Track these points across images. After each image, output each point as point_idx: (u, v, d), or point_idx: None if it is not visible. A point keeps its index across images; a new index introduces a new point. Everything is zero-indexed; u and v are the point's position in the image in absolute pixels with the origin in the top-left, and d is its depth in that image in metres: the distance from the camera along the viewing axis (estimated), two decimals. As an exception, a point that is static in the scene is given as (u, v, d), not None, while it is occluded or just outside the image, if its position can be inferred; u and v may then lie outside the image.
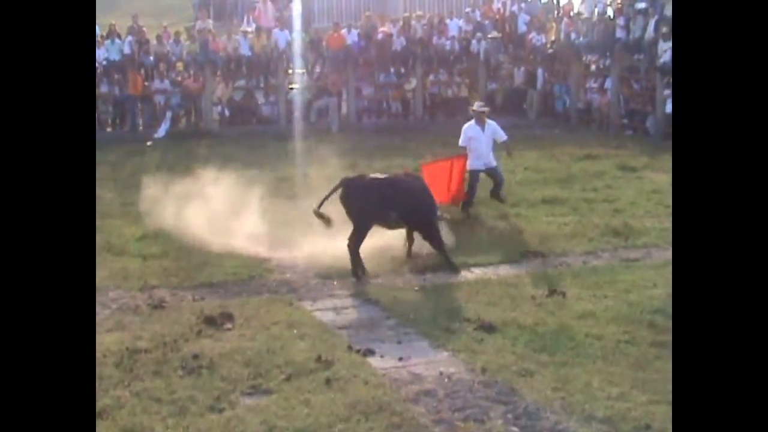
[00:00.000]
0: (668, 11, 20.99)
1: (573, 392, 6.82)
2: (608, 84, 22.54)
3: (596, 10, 24.34)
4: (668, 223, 12.22)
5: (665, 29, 20.70)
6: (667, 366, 7.30)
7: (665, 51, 20.47)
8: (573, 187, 14.88)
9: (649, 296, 9.03)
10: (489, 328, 8.12)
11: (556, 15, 26.13)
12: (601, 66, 23.42)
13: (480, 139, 12.55)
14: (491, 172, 12.81)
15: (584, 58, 23.82)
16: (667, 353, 7.57)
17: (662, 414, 6.45)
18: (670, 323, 8.24)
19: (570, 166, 16.85)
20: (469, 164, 12.56)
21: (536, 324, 8.25)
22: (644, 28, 21.73)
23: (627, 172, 16.15)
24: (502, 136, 12.81)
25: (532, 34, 24.64)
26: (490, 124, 12.75)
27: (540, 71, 24.21)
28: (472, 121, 12.66)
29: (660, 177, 15.52)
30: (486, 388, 6.91)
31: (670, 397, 6.66)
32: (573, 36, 24.03)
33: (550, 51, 24.41)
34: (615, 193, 14.34)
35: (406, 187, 10.28)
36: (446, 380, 7.06)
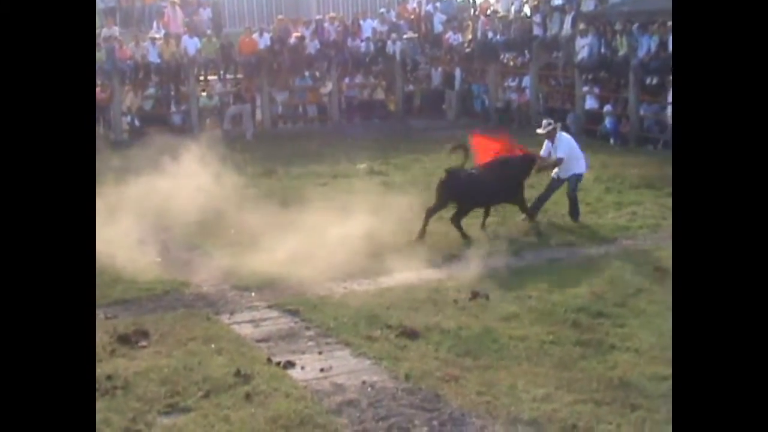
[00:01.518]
0: (584, 7, 21.44)
1: (498, 395, 6.90)
2: (527, 82, 22.90)
3: (513, 8, 24.70)
4: (590, 221, 12.49)
5: (582, 26, 21.14)
6: (592, 364, 7.47)
7: (583, 47, 20.90)
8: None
9: (573, 295, 9.20)
10: (412, 334, 8.16)
11: (472, 14, 26.42)
12: (519, 64, 23.77)
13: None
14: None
15: (502, 57, 24.14)
16: (591, 352, 7.74)
17: (588, 413, 6.57)
18: (593, 321, 8.44)
19: (491, 167, 17.01)
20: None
21: (459, 328, 8.32)
22: (561, 25, 22.14)
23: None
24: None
25: (449, 34, 24.89)
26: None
27: (458, 71, 24.44)
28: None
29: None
30: (410, 395, 6.95)
31: (595, 395, 6.85)
32: (490, 35, 24.34)
33: (468, 50, 24.68)
34: (537, 193, 14.54)
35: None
36: (369, 389, 7.08)
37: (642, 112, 19.65)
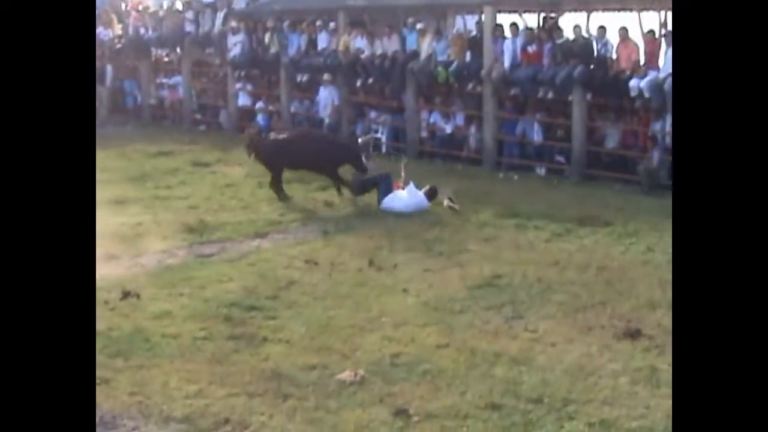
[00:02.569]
0: (236, 5, 21.59)
1: (151, 395, 6.77)
2: (179, 79, 22.66)
3: (164, 4, 24.30)
4: (242, 216, 12.62)
5: (233, 23, 21.29)
6: (245, 358, 7.55)
7: (235, 45, 21.05)
8: (146, 186, 14.77)
9: (225, 290, 9.24)
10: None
11: (123, 9, 25.64)
12: (172, 61, 23.46)
13: None
14: None
15: (154, 53, 23.69)
16: (244, 345, 7.83)
17: (241, 406, 6.63)
18: (246, 315, 8.53)
19: (143, 164, 16.70)
20: None
21: (110, 329, 8.05)
22: (213, 22, 22.13)
23: (200, 167, 16.39)
24: None
25: (99, 29, 23.96)
26: None
27: (108, 67, 23.60)
28: None
29: (233, 171, 15.97)
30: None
31: (248, 388, 6.93)
32: (142, 30, 23.78)
33: (118, 46, 23.95)
34: (189, 190, 14.49)
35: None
36: None
37: (293, 109, 20.20)
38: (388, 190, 13.04)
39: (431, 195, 12.94)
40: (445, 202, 12.82)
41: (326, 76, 18.64)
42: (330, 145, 14.48)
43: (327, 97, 18.85)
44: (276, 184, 13.70)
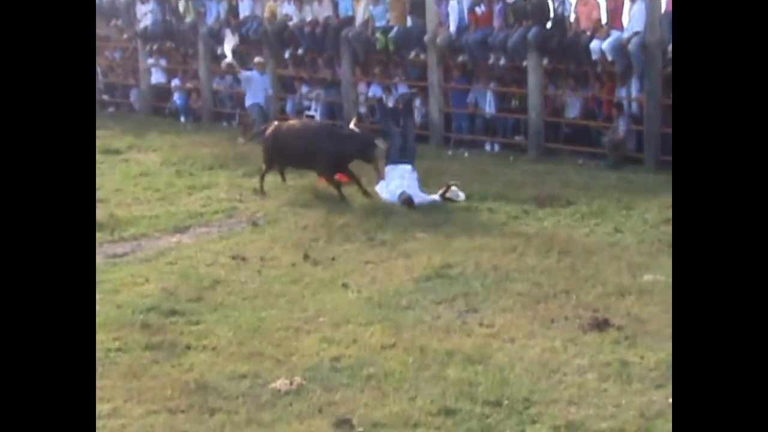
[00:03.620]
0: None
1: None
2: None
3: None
4: (159, 209, 12.51)
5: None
6: (165, 369, 7.48)
7: (145, 15, 20.82)
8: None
9: (141, 294, 9.15)
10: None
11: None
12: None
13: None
14: None
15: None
16: (164, 355, 7.76)
17: (162, 425, 6.57)
18: (165, 321, 8.46)
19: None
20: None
21: (8, 343, 7.93)
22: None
23: (110, 155, 16.20)
24: None
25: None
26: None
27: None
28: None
29: (148, 158, 15.83)
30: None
31: (169, 403, 6.86)
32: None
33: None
34: (98, 180, 14.29)
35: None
36: None
37: (215, 86, 20.04)
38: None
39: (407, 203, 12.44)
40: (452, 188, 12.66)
41: (258, 60, 17.54)
42: (342, 139, 13.29)
43: (258, 84, 17.14)
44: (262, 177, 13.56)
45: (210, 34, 19.61)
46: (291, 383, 7.05)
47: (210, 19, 19.83)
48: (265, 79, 17.40)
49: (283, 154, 13.43)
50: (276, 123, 14.19)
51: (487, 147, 16.21)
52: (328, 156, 12.88)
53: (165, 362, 7.63)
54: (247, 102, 17.10)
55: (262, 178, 13.48)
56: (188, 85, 20.62)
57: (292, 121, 14.72)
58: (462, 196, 12.26)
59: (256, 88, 16.88)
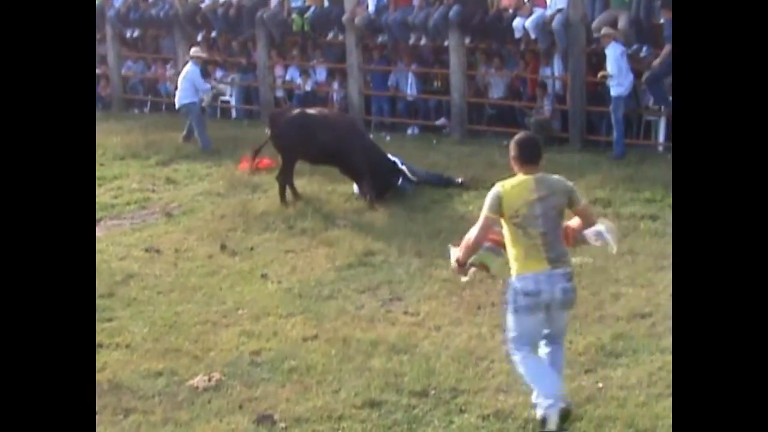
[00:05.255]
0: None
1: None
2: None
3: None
4: None
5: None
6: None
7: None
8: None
9: (49, 291, 8.99)
10: None
11: None
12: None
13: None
14: None
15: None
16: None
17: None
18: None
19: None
20: None
21: None
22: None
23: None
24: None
25: None
26: None
27: None
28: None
29: None
30: None
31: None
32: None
33: None
34: (1, 173, 13.99)
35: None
36: None
37: (124, 71, 19.75)
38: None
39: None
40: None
41: (194, 51, 16.06)
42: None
43: (194, 79, 15.52)
44: (285, 178, 11.95)
45: (117, 17, 19.30)
46: (209, 380, 7.02)
47: (118, 2, 19.51)
48: (195, 71, 15.52)
49: (309, 148, 11.95)
50: (299, 109, 12.75)
51: (409, 131, 16.20)
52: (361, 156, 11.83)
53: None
54: (181, 100, 15.28)
55: (284, 186, 11.85)
56: (97, 71, 20.25)
57: (319, 109, 13.03)
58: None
59: (189, 83, 15.18)
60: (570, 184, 6.09)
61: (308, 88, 17.39)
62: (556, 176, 6.10)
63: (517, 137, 6.19)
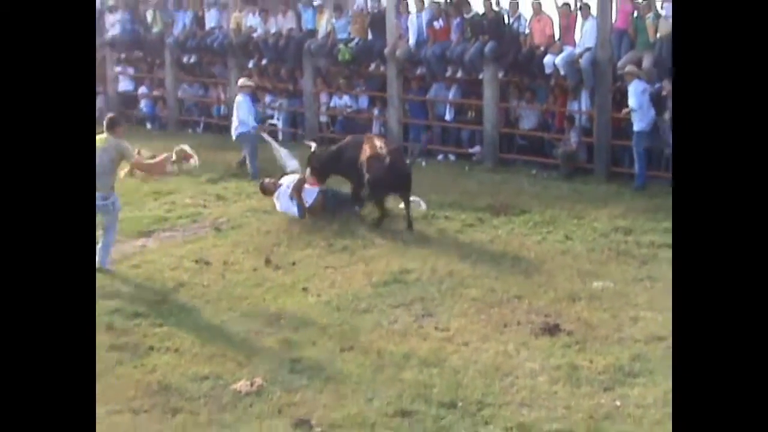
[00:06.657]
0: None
1: None
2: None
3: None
4: (124, 214, 12.35)
5: (111, 0, 20.87)
6: (129, 370, 7.41)
7: (113, 24, 20.66)
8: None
9: (106, 296, 9.04)
10: None
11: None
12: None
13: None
14: None
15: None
16: (128, 356, 7.68)
17: (126, 424, 6.54)
18: (129, 323, 8.39)
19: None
20: None
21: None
22: None
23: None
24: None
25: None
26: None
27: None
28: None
29: (114, 164, 15.63)
30: None
31: (133, 404, 6.79)
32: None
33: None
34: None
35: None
36: None
37: (180, 94, 19.92)
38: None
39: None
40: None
41: (243, 81, 15.55)
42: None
43: (247, 108, 14.90)
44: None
45: (176, 44, 19.50)
46: (252, 385, 7.03)
47: (177, 30, 19.71)
48: (248, 101, 14.97)
49: (397, 184, 11.51)
50: (394, 146, 12.45)
51: (440, 157, 16.18)
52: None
53: (128, 363, 7.58)
54: (235, 131, 14.80)
55: (380, 219, 11.57)
56: (155, 93, 20.47)
57: (389, 145, 12.30)
58: (423, 206, 12.20)
59: (244, 113, 14.63)
60: None
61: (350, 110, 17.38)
62: None
63: None
